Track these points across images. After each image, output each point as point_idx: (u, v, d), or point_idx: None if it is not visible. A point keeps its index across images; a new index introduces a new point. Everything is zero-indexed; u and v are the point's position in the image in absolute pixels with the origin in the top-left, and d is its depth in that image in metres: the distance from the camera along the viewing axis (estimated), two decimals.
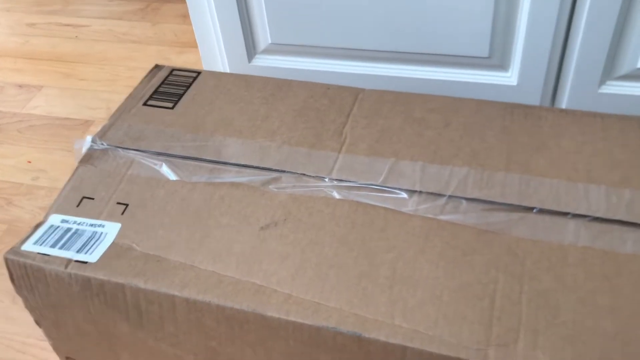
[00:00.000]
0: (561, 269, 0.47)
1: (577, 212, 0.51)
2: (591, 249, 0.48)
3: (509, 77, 0.77)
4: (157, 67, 0.71)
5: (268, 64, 0.85)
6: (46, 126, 1.04)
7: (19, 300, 0.75)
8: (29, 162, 0.97)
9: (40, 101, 1.10)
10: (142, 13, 1.32)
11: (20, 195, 0.92)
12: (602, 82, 0.74)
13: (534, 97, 0.77)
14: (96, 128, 1.02)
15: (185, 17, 1.29)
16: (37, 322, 0.58)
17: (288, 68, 0.84)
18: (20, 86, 1.14)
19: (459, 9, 0.72)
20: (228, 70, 0.87)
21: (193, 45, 1.19)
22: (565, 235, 0.49)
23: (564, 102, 0.77)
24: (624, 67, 0.73)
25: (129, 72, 1.16)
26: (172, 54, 1.19)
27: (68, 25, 1.31)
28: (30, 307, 0.56)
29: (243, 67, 0.85)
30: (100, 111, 1.06)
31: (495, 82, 0.77)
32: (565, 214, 0.51)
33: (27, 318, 0.74)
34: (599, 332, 0.44)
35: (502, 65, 0.76)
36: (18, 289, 0.55)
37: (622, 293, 0.46)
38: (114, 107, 1.06)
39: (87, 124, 1.04)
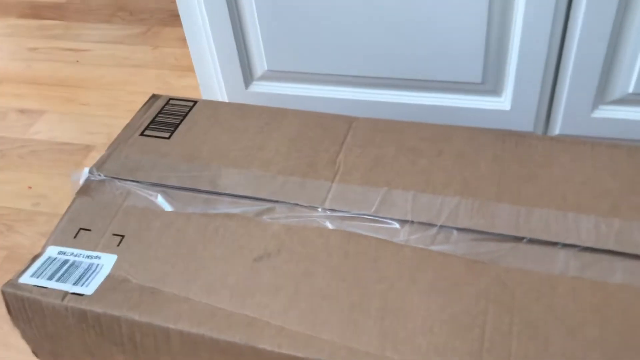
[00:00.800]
0: (551, 300, 0.48)
1: (567, 242, 0.51)
2: (581, 279, 0.49)
3: (502, 102, 0.77)
4: (155, 97, 0.72)
5: (265, 90, 0.86)
6: (47, 151, 1.05)
7: None
8: (30, 187, 0.98)
9: (41, 126, 1.12)
10: (142, 37, 1.34)
11: (21, 221, 0.93)
12: (595, 106, 0.75)
13: (527, 121, 0.78)
14: (97, 153, 1.03)
15: (185, 40, 1.30)
16: (35, 353, 0.59)
17: (284, 94, 0.85)
18: (22, 111, 1.16)
19: (451, 36, 0.73)
20: (225, 96, 0.88)
21: (193, 69, 1.21)
22: (555, 265, 0.50)
23: (557, 127, 0.77)
24: (616, 92, 0.73)
25: (130, 97, 1.17)
26: (173, 77, 1.21)
27: (69, 49, 1.33)
28: (28, 338, 0.57)
29: (240, 93, 0.86)
30: (101, 136, 1.08)
31: (488, 107, 0.78)
32: (555, 244, 0.51)
33: (26, 345, 0.75)
34: None
35: (495, 90, 0.77)
36: (15, 320, 0.55)
37: (611, 324, 0.46)
38: (115, 131, 1.07)
39: (87, 148, 1.05)
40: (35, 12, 1.48)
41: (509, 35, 0.72)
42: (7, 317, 0.78)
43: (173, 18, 1.39)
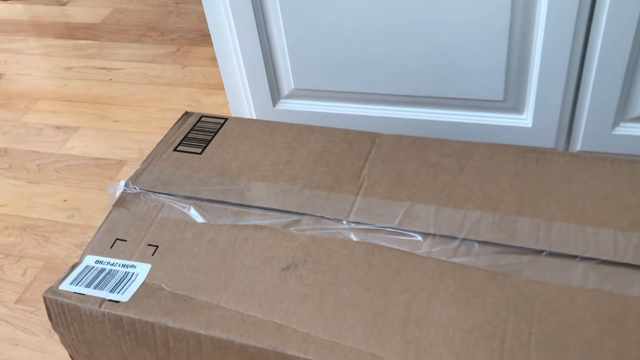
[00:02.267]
0: (569, 311, 0.49)
1: (586, 255, 0.53)
2: (599, 291, 0.50)
3: (524, 120, 0.79)
4: (187, 114, 0.75)
5: (292, 107, 0.89)
6: (81, 166, 1.10)
7: (54, 335, 0.79)
8: (65, 200, 1.02)
9: (76, 142, 1.16)
10: (173, 56, 1.39)
11: (57, 232, 0.97)
12: (615, 123, 0.76)
13: (549, 138, 0.79)
14: (129, 168, 1.07)
15: (214, 60, 1.35)
16: (72, 357, 0.62)
17: (310, 111, 0.88)
18: (58, 127, 1.20)
19: (473, 55, 0.76)
20: (254, 113, 0.91)
21: (222, 87, 1.24)
22: (574, 277, 0.51)
23: (578, 144, 0.79)
24: (637, 109, 0.75)
25: (161, 114, 1.21)
26: (202, 95, 1.25)
27: (103, 68, 1.38)
28: (66, 343, 0.60)
29: (268, 111, 0.89)
30: (133, 151, 1.11)
31: (510, 124, 0.79)
32: (574, 256, 0.53)
33: (63, 351, 0.78)
34: None
35: (516, 108, 0.79)
36: (55, 325, 0.58)
37: (628, 336, 0.47)
38: (146, 147, 1.11)
39: (120, 163, 1.09)
40: (70, 33, 1.53)
41: (530, 53, 0.74)
42: (44, 324, 0.82)
43: (202, 38, 1.44)
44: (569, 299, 0.50)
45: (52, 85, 1.34)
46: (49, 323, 0.58)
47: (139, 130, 1.17)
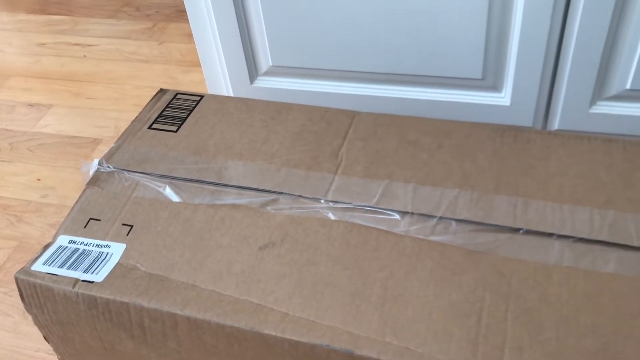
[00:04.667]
0: (546, 288, 0.50)
1: (562, 233, 0.53)
2: (575, 268, 0.51)
3: (503, 98, 0.79)
4: (162, 91, 0.74)
5: (269, 85, 0.87)
6: (56, 144, 1.07)
7: (29, 316, 0.78)
8: (39, 179, 1.00)
9: (50, 120, 1.13)
10: (149, 32, 1.36)
11: (30, 212, 0.95)
12: (593, 102, 0.76)
13: (526, 117, 0.79)
14: (104, 146, 1.05)
15: (190, 36, 1.32)
16: (46, 338, 0.61)
17: (288, 89, 0.86)
18: (31, 105, 1.18)
19: (452, 32, 0.75)
20: (231, 91, 0.89)
21: (198, 64, 1.22)
22: (550, 255, 0.52)
23: (556, 122, 0.79)
24: (614, 88, 0.75)
25: (136, 91, 1.19)
26: (178, 72, 1.23)
27: (77, 44, 1.35)
28: (39, 324, 0.59)
29: (245, 88, 0.88)
30: (108, 129, 1.09)
31: (488, 103, 0.79)
32: (550, 234, 0.53)
33: (37, 333, 0.77)
34: (581, 350, 0.46)
35: (495, 86, 0.79)
36: (28, 307, 0.57)
37: (603, 312, 0.48)
38: (122, 125, 1.09)
39: (95, 142, 1.07)
40: (43, 8, 1.49)
41: (508, 31, 0.74)
42: (17, 306, 0.81)
43: (179, 14, 1.41)
44: (545, 276, 0.50)
45: (24, 61, 1.31)
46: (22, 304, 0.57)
47: (115, 108, 1.15)
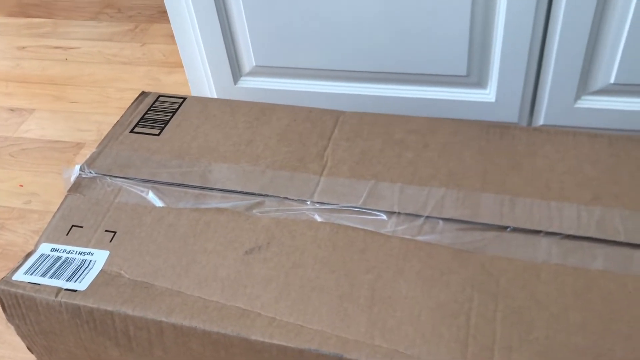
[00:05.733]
0: (534, 287, 0.49)
1: (550, 230, 0.53)
2: (563, 266, 0.50)
3: (488, 94, 0.79)
4: (144, 94, 0.72)
5: (253, 85, 0.86)
6: (38, 149, 1.06)
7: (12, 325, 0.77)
8: (21, 185, 0.99)
9: (31, 124, 1.12)
10: (131, 34, 1.34)
11: (13, 219, 0.93)
12: (577, 97, 0.76)
13: (512, 113, 0.79)
14: (87, 150, 1.04)
15: (173, 37, 1.31)
16: (29, 349, 0.60)
17: (272, 89, 0.86)
18: (12, 110, 1.16)
19: (436, 30, 0.74)
20: (214, 92, 0.88)
21: (182, 65, 1.21)
22: (538, 253, 0.51)
23: (541, 117, 0.79)
24: (598, 82, 0.75)
25: (119, 94, 1.17)
26: (161, 74, 1.21)
27: (58, 47, 1.33)
28: (22, 335, 0.58)
29: (229, 89, 0.87)
30: (91, 133, 1.08)
31: (474, 100, 0.79)
32: (538, 232, 0.53)
33: (20, 342, 0.75)
34: (570, 347, 0.46)
35: (479, 83, 0.78)
36: (10, 317, 0.56)
37: (592, 309, 0.47)
38: (105, 128, 1.08)
39: (78, 146, 1.06)
40: (23, 10, 1.47)
41: (492, 28, 0.74)
42: (0, 314, 0.79)
43: (160, 14, 1.39)
44: (533, 274, 0.50)
45: (4, 65, 1.29)
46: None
47: (97, 111, 1.13)
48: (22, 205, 0.95)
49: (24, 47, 1.34)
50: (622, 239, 0.51)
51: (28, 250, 0.86)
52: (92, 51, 1.30)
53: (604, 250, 0.51)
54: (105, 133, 1.06)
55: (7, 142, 1.08)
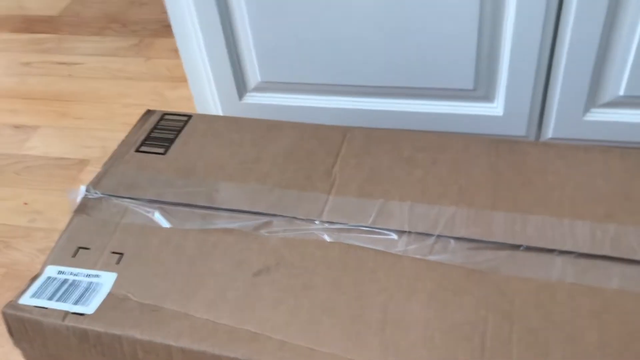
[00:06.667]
0: (550, 307, 0.48)
1: (564, 248, 0.52)
2: (578, 285, 0.49)
3: (495, 108, 0.78)
4: (149, 112, 0.72)
5: (259, 101, 0.86)
6: (42, 167, 1.05)
7: None
8: (26, 203, 0.98)
9: (36, 141, 1.11)
10: (135, 49, 1.34)
11: (18, 237, 0.93)
12: (586, 109, 0.75)
13: (520, 126, 0.78)
14: (92, 167, 1.03)
15: (177, 51, 1.31)
16: None
17: (278, 104, 0.85)
18: (17, 127, 1.16)
19: (443, 43, 0.74)
20: (219, 107, 0.88)
21: (186, 80, 1.21)
22: (553, 272, 0.50)
23: (550, 131, 0.78)
24: (607, 95, 0.74)
25: (124, 109, 1.17)
26: (166, 89, 1.21)
27: (62, 63, 1.33)
28: (29, 358, 0.57)
29: (234, 105, 0.87)
30: (96, 150, 1.08)
31: (481, 113, 0.78)
32: (551, 250, 0.52)
33: None
34: None
35: (487, 96, 0.78)
36: (16, 341, 0.55)
37: (609, 329, 0.47)
38: (110, 145, 1.07)
39: (83, 163, 1.05)
40: (28, 27, 1.47)
41: (500, 41, 0.73)
42: (7, 335, 0.78)
43: (165, 29, 1.39)
44: (548, 294, 0.49)
45: (9, 82, 1.28)
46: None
47: (102, 128, 1.13)
48: (27, 224, 0.95)
49: (28, 63, 1.34)
50: (637, 257, 0.50)
51: (34, 269, 0.85)
52: (96, 67, 1.30)
53: (619, 269, 0.50)
54: (110, 149, 1.05)
55: (11, 160, 1.08)
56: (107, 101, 1.20)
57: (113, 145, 0.69)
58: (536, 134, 0.80)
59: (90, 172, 1.02)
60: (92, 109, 1.18)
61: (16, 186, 1.02)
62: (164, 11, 1.46)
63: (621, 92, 0.73)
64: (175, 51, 1.31)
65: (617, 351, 0.45)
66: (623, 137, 0.76)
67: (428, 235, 0.54)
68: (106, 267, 0.56)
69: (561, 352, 0.46)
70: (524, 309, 0.48)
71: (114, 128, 1.12)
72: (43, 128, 1.15)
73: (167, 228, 0.58)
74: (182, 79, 1.22)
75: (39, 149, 1.09)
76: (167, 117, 0.71)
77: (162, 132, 0.69)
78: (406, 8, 0.72)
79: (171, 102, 1.17)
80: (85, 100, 1.21)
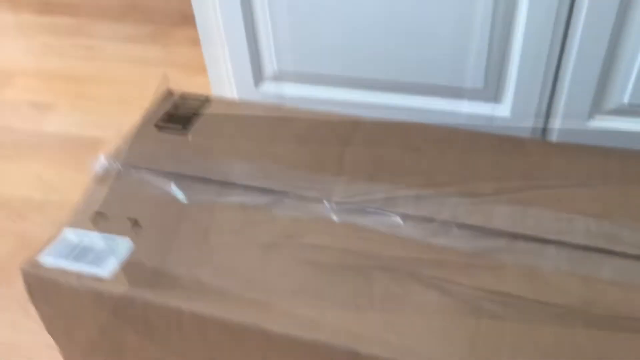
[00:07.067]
0: (543, 294, 0.51)
1: (560, 240, 0.54)
2: (572, 274, 0.52)
3: (503, 109, 0.80)
4: (169, 92, 0.75)
5: (274, 90, 0.89)
6: (58, 143, 1.08)
7: (29, 310, 0.78)
8: (42, 178, 1.01)
9: (53, 119, 1.14)
10: (154, 36, 1.37)
11: (33, 210, 0.95)
12: (591, 116, 0.78)
13: (525, 129, 0.80)
14: (106, 147, 1.06)
15: (195, 41, 1.33)
16: (49, 332, 0.61)
17: (292, 94, 0.88)
18: (34, 104, 1.19)
19: (456, 43, 0.76)
20: (236, 94, 0.91)
21: (202, 69, 1.23)
22: (548, 261, 0.53)
23: (554, 135, 0.80)
24: (612, 102, 0.76)
25: (140, 93, 1.20)
26: (182, 76, 1.24)
27: (81, 45, 1.36)
28: (43, 317, 0.60)
29: (250, 93, 0.89)
30: (111, 130, 1.10)
31: (489, 113, 0.81)
32: (548, 241, 0.54)
33: (35, 328, 0.77)
34: (579, 355, 0.47)
35: (495, 97, 0.80)
36: (33, 299, 0.58)
37: (597, 316, 0.49)
38: (125, 126, 1.10)
39: (97, 142, 1.08)
40: (48, 9, 1.51)
41: (510, 43, 0.75)
42: (16, 302, 0.81)
43: (183, 19, 1.42)
44: (542, 282, 0.51)
45: (28, 61, 1.32)
46: (23, 300, 0.58)
47: (117, 110, 1.16)
48: (41, 197, 0.98)
49: (48, 45, 1.37)
50: (629, 251, 0.53)
51: (47, 241, 0.88)
52: (114, 51, 1.33)
53: (611, 261, 0.52)
54: (124, 131, 1.08)
55: (28, 136, 1.11)
56: (123, 84, 1.23)
57: (128, 127, 0.72)
58: (541, 136, 0.82)
59: (104, 151, 1.04)
60: (109, 91, 1.21)
61: (32, 161, 1.05)
62: (182, 1, 1.49)
63: (626, 100, 0.75)
64: (192, 40, 1.34)
65: (606, 339, 0.48)
66: (626, 144, 0.78)
67: (431, 220, 0.57)
68: (122, 233, 0.58)
69: (553, 338, 0.48)
70: (518, 295, 0.51)
71: (129, 110, 1.15)
72: (60, 107, 1.18)
73: (182, 200, 0.61)
74: (198, 68, 1.25)
75: (55, 127, 1.12)
76: (186, 96, 0.74)
77: (181, 110, 0.71)
78: (421, 4, 0.74)
79: (187, 89, 1.19)
80: (102, 82, 1.24)
